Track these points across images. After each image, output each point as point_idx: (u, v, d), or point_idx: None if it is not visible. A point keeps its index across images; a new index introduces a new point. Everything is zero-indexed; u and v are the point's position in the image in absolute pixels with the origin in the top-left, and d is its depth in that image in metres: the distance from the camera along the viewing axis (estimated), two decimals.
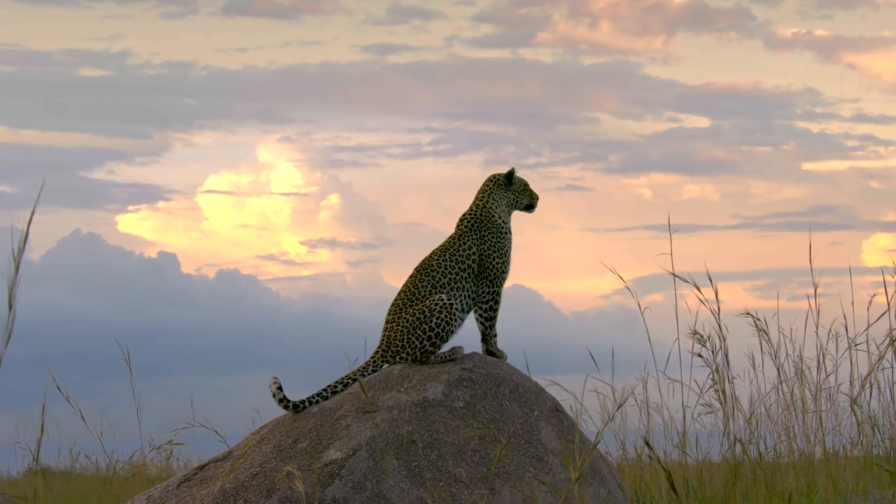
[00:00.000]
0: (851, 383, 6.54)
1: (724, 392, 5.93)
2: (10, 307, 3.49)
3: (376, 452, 5.68)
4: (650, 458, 5.69)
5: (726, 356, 5.98)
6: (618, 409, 5.24)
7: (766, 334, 6.02)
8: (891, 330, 5.87)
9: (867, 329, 6.02)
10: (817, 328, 6.08)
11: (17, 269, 3.50)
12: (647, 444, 4.89)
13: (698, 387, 6.43)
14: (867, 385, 5.83)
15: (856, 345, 5.98)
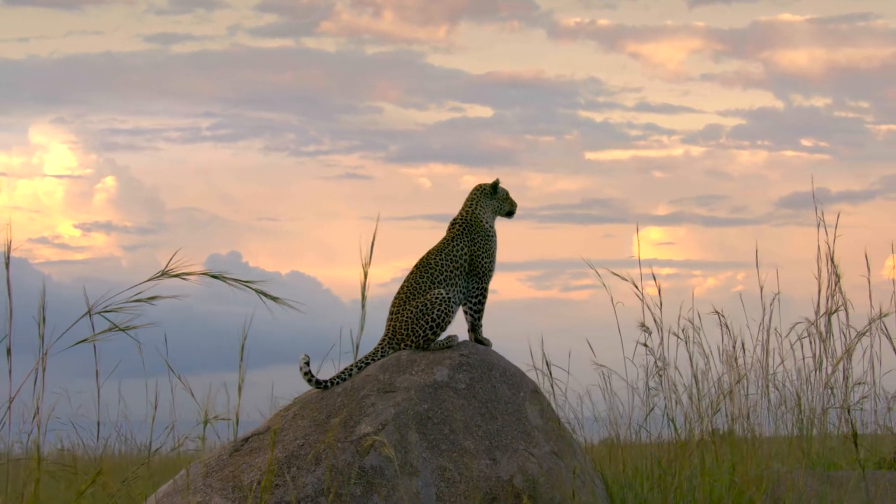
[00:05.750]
0: (767, 371, 7.69)
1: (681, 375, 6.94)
2: None
3: (401, 427, 6.50)
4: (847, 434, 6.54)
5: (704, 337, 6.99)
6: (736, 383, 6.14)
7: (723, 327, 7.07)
8: (871, 321, 7.03)
9: (817, 321, 7.18)
10: (769, 320, 7.17)
11: None
12: (850, 418, 5.72)
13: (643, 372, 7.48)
14: (839, 368, 6.96)
15: (804, 337, 7.12)
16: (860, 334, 7.03)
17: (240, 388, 4.51)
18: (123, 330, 4.19)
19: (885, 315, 7.18)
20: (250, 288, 4.12)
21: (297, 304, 4.17)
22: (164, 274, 4.10)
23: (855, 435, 5.44)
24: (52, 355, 4.55)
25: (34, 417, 4.27)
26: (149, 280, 4.13)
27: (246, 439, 6.57)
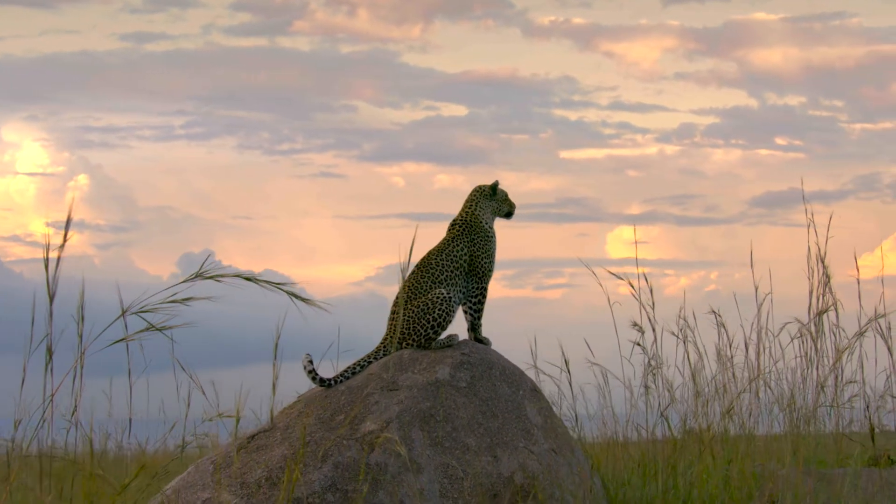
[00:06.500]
0: (762, 370, 7.82)
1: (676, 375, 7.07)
2: None
3: (404, 424, 6.59)
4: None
5: (700, 337, 7.13)
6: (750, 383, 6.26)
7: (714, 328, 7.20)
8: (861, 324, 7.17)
9: (808, 322, 7.32)
10: (765, 320, 7.31)
11: None
12: (868, 415, 5.80)
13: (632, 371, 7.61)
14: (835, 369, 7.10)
15: (797, 337, 7.26)
16: (857, 334, 7.18)
17: (274, 386, 4.60)
18: (160, 329, 4.28)
19: (881, 316, 7.32)
20: (282, 290, 4.21)
21: (325, 305, 4.26)
22: (199, 276, 4.18)
23: (872, 430, 5.57)
24: (63, 355, 4.63)
25: (72, 414, 4.34)
26: (184, 281, 4.20)
27: (252, 437, 6.65)
